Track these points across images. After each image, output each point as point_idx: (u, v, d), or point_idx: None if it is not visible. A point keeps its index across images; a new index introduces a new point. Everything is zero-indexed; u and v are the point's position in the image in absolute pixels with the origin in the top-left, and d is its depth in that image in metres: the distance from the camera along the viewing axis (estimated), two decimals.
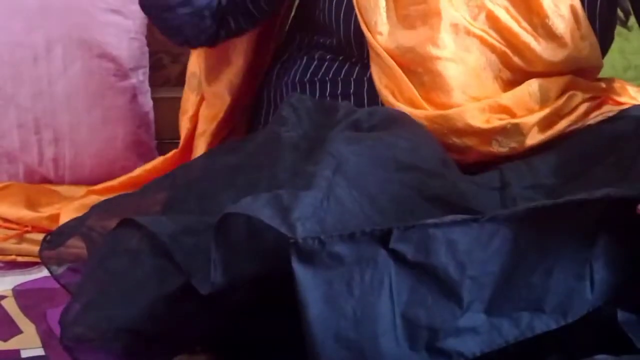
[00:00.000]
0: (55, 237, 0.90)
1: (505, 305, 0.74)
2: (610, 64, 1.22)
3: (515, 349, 0.78)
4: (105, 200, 0.93)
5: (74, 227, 0.90)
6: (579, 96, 0.99)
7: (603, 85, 1.04)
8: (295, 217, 0.70)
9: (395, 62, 0.97)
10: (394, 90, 0.97)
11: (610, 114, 0.98)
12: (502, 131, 0.95)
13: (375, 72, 0.99)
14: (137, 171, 1.24)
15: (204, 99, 1.20)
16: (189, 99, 1.22)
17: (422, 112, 0.96)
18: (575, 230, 0.76)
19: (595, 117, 1.00)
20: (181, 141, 1.21)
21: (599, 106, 1.01)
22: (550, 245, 0.75)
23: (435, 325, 0.71)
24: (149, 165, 1.25)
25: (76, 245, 0.89)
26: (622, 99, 1.03)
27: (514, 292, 0.74)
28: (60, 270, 0.89)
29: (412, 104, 0.97)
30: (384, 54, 0.96)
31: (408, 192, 0.81)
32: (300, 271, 0.68)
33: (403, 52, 0.96)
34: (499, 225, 0.73)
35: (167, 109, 1.38)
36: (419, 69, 0.96)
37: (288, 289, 0.76)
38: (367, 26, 0.97)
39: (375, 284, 0.70)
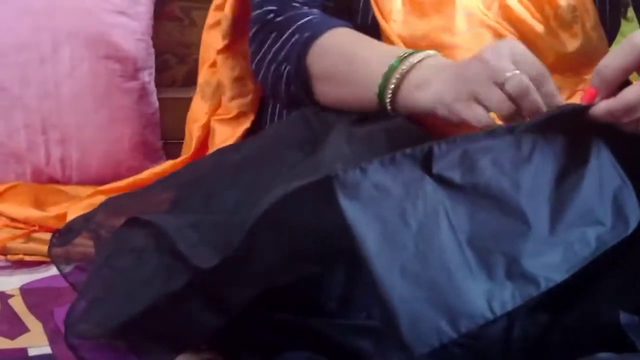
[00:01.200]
0: (63, 234, 0.90)
1: (567, 224, 0.70)
2: None
3: (518, 347, 0.79)
4: (112, 198, 0.93)
5: (82, 224, 0.90)
6: None
7: None
8: (327, 163, 0.70)
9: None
10: None
11: None
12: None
13: None
14: (145, 173, 1.25)
15: (219, 108, 1.20)
16: (201, 108, 1.22)
17: None
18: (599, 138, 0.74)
19: None
20: (192, 148, 1.21)
21: None
22: (591, 155, 0.73)
23: (508, 249, 0.67)
24: (157, 169, 1.25)
25: (84, 244, 0.89)
26: None
27: (568, 209, 0.70)
28: (68, 268, 0.89)
29: None
30: (397, 40, 0.96)
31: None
32: (349, 208, 0.65)
33: (416, 40, 0.96)
34: (535, 137, 0.72)
35: (174, 110, 1.38)
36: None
37: (296, 285, 0.77)
38: (381, 14, 0.98)
39: (430, 214, 0.66)
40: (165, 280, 0.74)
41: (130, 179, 1.27)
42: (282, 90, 0.99)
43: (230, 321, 0.78)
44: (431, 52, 0.87)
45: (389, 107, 0.87)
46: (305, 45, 0.94)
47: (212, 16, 1.23)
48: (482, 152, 0.70)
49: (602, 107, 0.75)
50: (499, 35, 0.95)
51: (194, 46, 1.36)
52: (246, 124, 1.19)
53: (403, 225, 0.65)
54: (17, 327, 0.92)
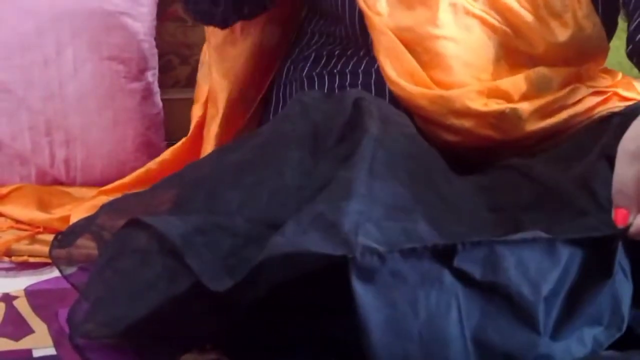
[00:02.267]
0: (65, 237, 0.90)
1: (570, 327, 0.70)
2: (617, 61, 1.21)
3: None
4: (114, 200, 0.93)
5: (84, 226, 0.90)
6: (583, 89, 0.99)
7: (609, 80, 1.03)
8: (346, 231, 0.66)
9: None
10: (395, 64, 0.97)
11: (616, 110, 0.98)
12: (501, 115, 0.95)
13: (377, 50, 0.99)
14: (147, 165, 1.25)
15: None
16: (201, 88, 1.22)
17: (422, 92, 0.96)
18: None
19: (600, 112, 1.00)
20: (191, 129, 1.21)
21: (605, 101, 1.01)
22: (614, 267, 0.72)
23: (512, 351, 0.67)
24: (158, 159, 1.25)
25: (86, 245, 0.89)
26: (629, 94, 1.03)
27: (578, 311, 0.70)
28: (70, 270, 0.89)
29: (412, 77, 0.97)
30: (385, 29, 0.96)
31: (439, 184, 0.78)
32: (362, 291, 0.64)
33: (402, 31, 0.96)
34: (572, 247, 0.70)
35: (177, 110, 1.39)
36: (418, 48, 0.96)
37: (300, 285, 0.77)
38: (367, 7, 0.98)
39: (442, 306, 0.66)
40: (170, 283, 0.74)
41: (133, 175, 1.26)
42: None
43: (235, 321, 0.78)
44: None
45: None
46: None
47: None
48: (510, 254, 0.68)
49: None
50: (486, 25, 0.95)
51: (197, 47, 1.36)
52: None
53: (412, 315, 0.65)
54: (22, 329, 0.92)
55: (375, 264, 0.65)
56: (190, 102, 1.28)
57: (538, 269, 0.68)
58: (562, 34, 0.96)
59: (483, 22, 0.95)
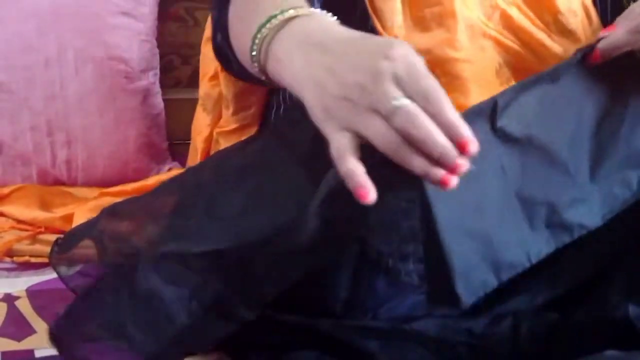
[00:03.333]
0: (65, 241, 0.91)
1: (609, 168, 0.71)
2: None
3: (526, 346, 0.78)
4: (116, 204, 0.93)
5: (85, 230, 0.90)
6: None
7: None
8: None
9: None
10: None
11: None
12: None
13: None
14: (152, 180, 1.25)
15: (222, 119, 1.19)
16: (203, 120, 1.21)
17: None
18: None
19: None
20: (198, 160, 1.21)
21: None
22: (630, 98, 0.73)
23: (551, 199, 0.69)
24: (164, 176, 1.25)
25: (87, 245, 0.89)
26: None
27: (610, 152, 0.71)
28: (70, 271, 0.89)
29: None
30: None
31: None
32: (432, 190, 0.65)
33: (419, 53, 0.96)
34: (576, 76, 0.72)
35: (179, 110, 1.38)
36: (436, 71, 0.95)
37: (303, 287, 0.77)
38: (383, 29, 0.97)
39: (488, 169, 0.68)
40: (184, 315, 0.75)
41: (136, 184, 1.27)
42: (213, 43, 0.93)
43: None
44: (306, 11, 0.70)
45: (261, 76, 0.73)
46: None
47: (208, 29, 1.23)
48: (532, 102, 0.70)
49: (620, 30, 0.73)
50: (500, 46, 0.95)
51: (199, 47, 1.36)
52: (250, 135, 1.18)
53: (465, 182, 0.62)
54: (24, 329, 0.92)
55: None
56: (191, 102, 1.28)
57: (555, 111, 0.70)
58: (573, 50, 0.96)
59: (497, 42, 0.95)
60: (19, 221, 1.20)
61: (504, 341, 0.78)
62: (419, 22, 0.96)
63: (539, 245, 0.70)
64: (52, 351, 0.88)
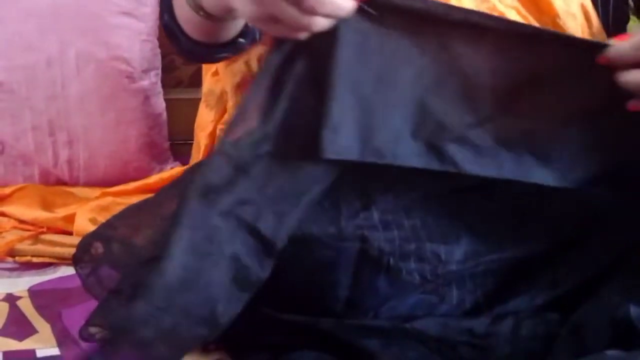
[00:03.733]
0: (79, 256, 0.91)
1: (515, 140, 0.73)
2: None
3: (526, 346, 0.78)
4: (124, 211, 0.93)
5: (94, 236, 0.90)
6: None
7: None
8: None
9: None
10: None
11: None
12: None
13: None
14: (154, 178, 1.25)
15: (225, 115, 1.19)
16: (207, 116, 1.22)
17: None
18: None
19: None
20: (201, 156, 1.21)
21: None
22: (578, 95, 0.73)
23: (445, 122, 0.71)
24: (166, 174, 1.25)
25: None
26: None
27: (529, 129, 0.73)
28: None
29: None
30: None
31: None
32: (343, 23, 0.67)
33: None
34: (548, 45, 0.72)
35: (180, 110, 1.39)
36: None
37: (303, 286, 0.77)
38: None
39: (407, 57, 0.70)
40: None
41: (139, 183, 1.27)
42: (162, 24, 1.01)
43: (239, 322, 0.78)
44: None
45: (198, 11, 0.86)
46: None
47: None
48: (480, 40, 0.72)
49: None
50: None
51: None
52: None
53: (379, 48, 0.69)
54: (26, 329, 0.92)
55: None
56: (193, 102, 1.28)
57: (500, 57, 0.71)
58: None
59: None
60: (21, 221, 1.20)
61: (504, 341, 0.78)
62: None
63: (410, 155, 0.72)
64: (54, 351, 0.88)
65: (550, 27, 0.95)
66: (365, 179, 0.80)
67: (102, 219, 1.17)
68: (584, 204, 0.81)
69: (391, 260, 0.78)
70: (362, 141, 0.70)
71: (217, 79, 1.19)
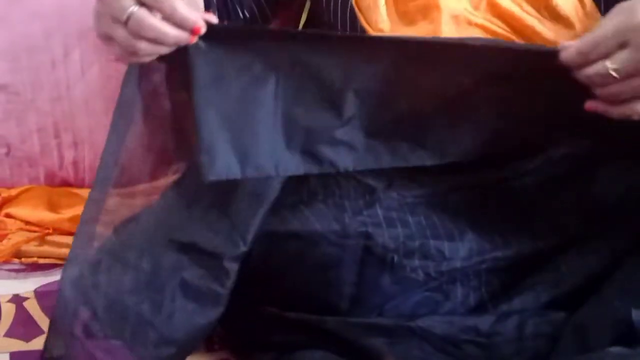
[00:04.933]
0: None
1: (386, 131, 0.77)
2: None
3: (531, 344, 0.78)
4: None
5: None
6: None
7: None
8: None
9: None
10: None
11: None
12: None
13: None
14: (160, 182, 1.25)
15: None
16: None
17: None
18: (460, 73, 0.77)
19: None
20: None
21: None
22: (429, 84, 0.77)
23: (313, 128, 0.75)
24: (172, 177, 1.24)
25: None
26: None
27: (395, 119, 0.77)
28: None
29: None
30: None
31: None
32: (195, 47, 0.72)
33: None
34: (386, 48, 0.76)
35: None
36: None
37: (308, 285, 0.77)
38: (368, 24, 0.97)
39: (264, 75, 0.74)
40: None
41: (145, 186, 1.26)
42: None
43: (243, 321, 0.79)
44: None
45: None
46: None
47: None
48: (330, 44, 0.76)
49: (573, 47, 0.75)
50: (488, 33, 0.95)
51: None
52: None
53: (235, 75, 0.74)
54: (32, 330, 0.92)
55: (217, 31, 0.73)
56: None
57: (353, 62, 0.75)
58: (566, 36, 0.95)
59: (486, 30, 0.95)
60: (27, 222, 1.20)
61: (509, 339, 0.78)
62: (404, 15, 0.96)
63: (289, 164, 0.75)
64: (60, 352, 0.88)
65: (542, 9, 0.95)
66: (368, 177, 0.80)
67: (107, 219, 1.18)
68: (588, 200, 0.81)
69: (395, 258, 0.78)
70: (240, 159, 0.74)
71: None
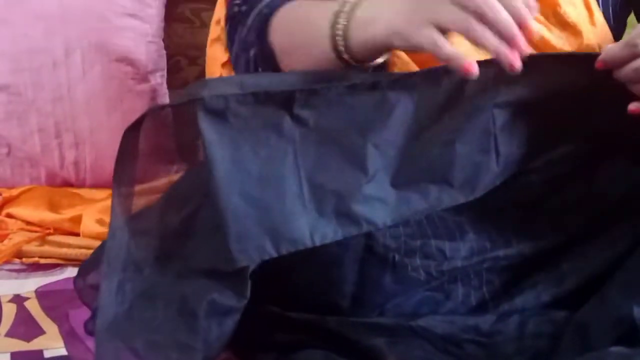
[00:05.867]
0: (86, 266, 0.91)
1: (412, 178, 0.75)
2: None
3: (532, 343, 0.78)
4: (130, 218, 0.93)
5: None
6: None
7: None
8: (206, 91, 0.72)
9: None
10: None
11: None
12: None
13: (391, 71, 0.99)
14: (161, 182, 1.24)
15: None
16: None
17: None
18: (476, 102, 0.76)
19: None
20: None
21: None
22: (450, 118, 0.76)
23: (341, 190, 0.73)
24: (174, 177, 1.25)
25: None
26: None
27: (418, 164, 0.75)
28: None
29: None
30: (397, 51, 0.96)
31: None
32: (208, 129, 0.70)
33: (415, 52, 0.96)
34: (399, 94, 0.74)
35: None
36: (431, 64, 0.96)
37: (309, 284, 0.77)
38: None
39: (281, 147, 0.72)
40: None
41: (146, 186, 1.26)
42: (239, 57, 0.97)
43: (246, 321, 0.79)
44: None
45: (344, 53, 0.80)
46: (265, 22, 0.90)
47: (213, 31, 1.23)
48: (341, 101, 0.74)
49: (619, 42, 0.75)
50: None
51: (205, 48, 1.36)
52: None
53: (253, 155, 0.71)
54: (33, 329, 0.93)
55: (220, 105, 0.71)
56: None
57: (368, 116, 0.74)
58: (573, 43, 0.95)
59: None
60: (28, 222, 1.20)
61: (510, 339, 0.78)
62: None
63: (325, 230, 0.73)
64: (61, 351, 0.88)
65: (550, 16, 0.95)
66: None
67: (108, 220, 1.17)
68: (589, 200, 0.81)
69: (396, 257, 0.78)
70: (273, 238, 0.72)
71: (228, 70, 1.19)
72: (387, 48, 0.77)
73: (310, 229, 0.72)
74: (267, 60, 0.91)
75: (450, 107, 0.76)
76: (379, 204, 0.74)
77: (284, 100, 0.73)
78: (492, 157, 0.76)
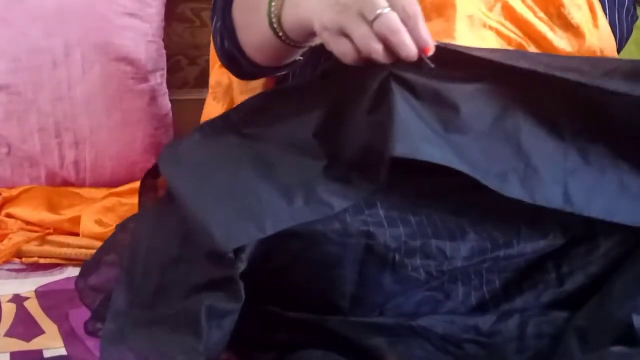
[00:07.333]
0: (88, 267, 0.92)
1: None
2: (629, 56, 1.21)
3: (533, 344, 0.78)
4: (130, 219, 0.93)
5: (106, 250, 0.91)
6: None
7: None
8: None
9: None
10: None
11: None
12: None
13: None
14: (160, 180, 1.24)
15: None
16: (214, 109, 1.22)
17: None
18: None
19: None
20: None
21: None
22: None
23: (307, 181, 0.75)
24: None
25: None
26: None
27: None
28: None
29: None
30: None
31: None
32: (170, 173, 0.79)
33: None
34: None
35: (186, 111, 1.39)
36: None
37: (309, 284, 0.77)
38: None
39: (238, 158, 0.78)
40: None
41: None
42: (221, 50, 1.00)
43: (245, 321, 0.78)
44: None
45: (279, 31, 0.85)
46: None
47: None
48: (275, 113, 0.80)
49: None
50: (502, 37, 0.95)
51: (206, 47, 1.36)
52: None
53: (216, 168, 0.76)
54: (33, 329, 0.93)
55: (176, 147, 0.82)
56: (199, 103, 1.29)
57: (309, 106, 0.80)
58: (575, 45, 0.95)
59: (498, 34, 0.95)
60: (28, 222, 1.20)
61: (510, 339, 0.78)
62: None
63: (302, 214, 0.74)
64: (61, 351, 0.88)
65: (555, 17, 0.95)
66: None
67: (107, 220, 1.18)
68: None
69: (397, 257, 0.78)
70: (255, 223, 0.73)
71: (225, 70, 1.19)
72: (311, 28, 0.79)
73: (289, 214, 0.74)
74: (230, 34, 0.95)
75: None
76: (346, 184, 0.76)
77: (225, 125, 0.80)
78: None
